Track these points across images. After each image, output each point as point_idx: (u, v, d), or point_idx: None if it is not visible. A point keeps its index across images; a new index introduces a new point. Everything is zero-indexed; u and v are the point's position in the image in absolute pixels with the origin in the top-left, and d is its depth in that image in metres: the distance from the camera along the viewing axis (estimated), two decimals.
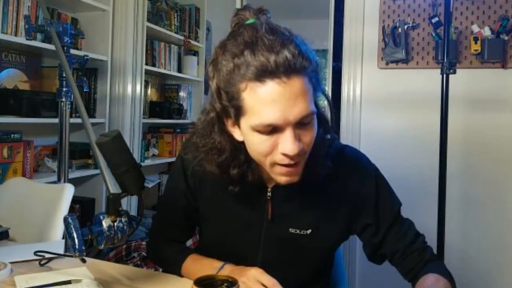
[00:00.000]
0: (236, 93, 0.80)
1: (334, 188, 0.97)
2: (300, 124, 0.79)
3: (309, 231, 0.97)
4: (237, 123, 0.85)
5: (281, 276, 0.90)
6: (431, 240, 1.79)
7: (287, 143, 0.79)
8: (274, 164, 0.83)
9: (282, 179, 0.86)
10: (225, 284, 0.78)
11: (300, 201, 0.97)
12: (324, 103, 0.93)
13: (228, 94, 0.81)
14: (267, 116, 0.77)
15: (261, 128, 0.79)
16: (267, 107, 0.77)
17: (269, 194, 0.98)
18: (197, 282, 0.78)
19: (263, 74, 0.76)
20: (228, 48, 0.81)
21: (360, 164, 1.01)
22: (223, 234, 1.05)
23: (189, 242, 1.59)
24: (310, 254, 1.02)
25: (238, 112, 0.82)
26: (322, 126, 0.90)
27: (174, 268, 1.06)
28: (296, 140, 0.79)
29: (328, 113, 0.95)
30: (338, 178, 0.97)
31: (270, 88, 0.76)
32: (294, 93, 0.76)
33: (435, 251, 1.71)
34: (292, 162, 0.82)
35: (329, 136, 0.94)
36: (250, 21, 0.85)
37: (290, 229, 0.97)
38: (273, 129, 0.79)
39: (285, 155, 0.80)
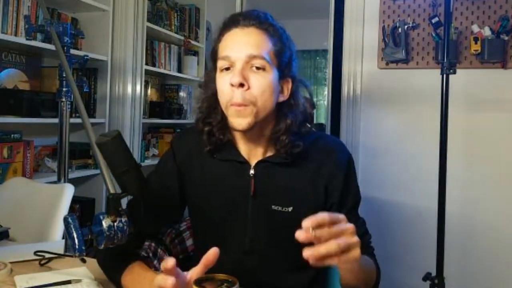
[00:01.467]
0: (216, 46, 1.01)
1: (312, 170, 1.05)
2: (252, 68, 0.96)
3: (290, 209, 1.03)
4: (215, 73, 1.01)
5: (271, 256, 0.99)
6: (431, 239, 1.79)
7: (232, 77, 0.95)
8: (228, 105, 0.97)
9: (235, 122, 0.97)
10: (225, 284, 0.79)
11: (281, 180, 1.04)
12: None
13: (214, 50, 1.02)
14: (225, 50, 0.97)
15: (221, 64, 0.98)
16: (227, 44, 0.98)
17: (251, 171, 1.04)
18: (196, 281, 0.78)
19: (229, 23, 0.99)
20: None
21: (336, 149, 1.09)
22: (212, 213, 1.08)
23: (190, 242, 1.58)
24: (295, 231, 1.04)
25: (215, 58, 1.01)
26: (300, 110, 1.04)
27: (115, 273, 0.98)
28: (241, 77, 0.94)
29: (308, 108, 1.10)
30: (315, 161, 1.06)
31: (232, 32, 0.98)
32: (249, 36, 0.96)
33: (434, 250, 1.73)
34: (238, 100, 0.94)
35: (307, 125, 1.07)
36: None
37: (273, 206, 1.04)
38: (229, 67, 0.97)
39: (232, 85, 0.95)
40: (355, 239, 0.74)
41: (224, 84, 0.97)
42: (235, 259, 1.04)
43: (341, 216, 0.75)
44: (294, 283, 1.08)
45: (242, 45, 0.96)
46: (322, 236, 0.71)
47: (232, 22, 0.99)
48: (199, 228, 1.17)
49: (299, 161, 1.04)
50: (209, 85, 1.06)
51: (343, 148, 1.11)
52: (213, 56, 1.03)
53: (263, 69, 0.96)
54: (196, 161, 1.09)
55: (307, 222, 0.72)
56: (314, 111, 5.83)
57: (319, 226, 0.72)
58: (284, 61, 0.99)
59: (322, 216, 0.72)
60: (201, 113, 1.06)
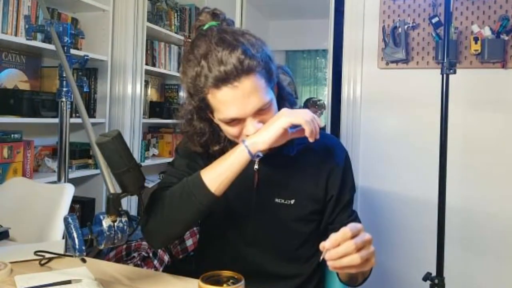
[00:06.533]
0: (202, 96, 0.96)
1: (314, 162, 1.09)
2: (259, 111, 0.95)
3: (292, 201, 1.07)
4: (211, 114, 1.02)
5: (272, 247, 1.06)
6: (431, 239, 1.79)
7: (248, 129, 0.96)
8: None
9: None
10: (231, 281, 0.80)
11: (284, 174, 1.08)
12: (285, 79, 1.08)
13: (198, 96, 0.97)
14: (228, 113, 0.94)
15: (227, 121, 0.97)
16: (227, 107, 0.94)
17: (256, 166, 1.07)
18: (203, 278, 0.79)
19: (217, 83, 0.92)
20: (191, 59, 0.96)
21: (335, 146, 1.15)
22: (217, 205, 1.06)
23: (190, 243, 1.59)
24: (297, 223, 1.10)
25: (209, 108, 0.99)
26: (287, 101, 1.06)
27: (192, 185, 0.97)
28: (256, 124, 0.95)
29: (291, 88, 1.09)
30: (317, 157, 1.10)
31: (226, 93, 0.92)
32: (246, 92, 0.92)
33: (434, 250, 1.73)
34: None
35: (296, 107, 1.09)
36: (208, 25, 1.02)
37: (276, 199, 1.07)
38: (236, 120, 0.96)
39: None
40: (372, 248, 0.80)
41: (234, 132, 0.98)
42: (236, 249, 1.08)
43: (359, 226, 0.79)
44: (295, 273, 1.11)
45: (245, 104, 0.93)
46: (348, 251, 0.76)
47: (218, 80, 0.91)
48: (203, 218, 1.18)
49: (302, 157, 1.08)
50: (201, 117, 1.04)
51: (340, 145, 1.17)
52: (202, 102, 0.98)
53: (270, 105, 0.97)
54: (203, 154, 1.09)
55: (324, 244, 0.78)
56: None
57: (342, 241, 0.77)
58: (274, 78, 0.99)
59: (342, 234, 0.77)
60: (203, 142, 1.06)
